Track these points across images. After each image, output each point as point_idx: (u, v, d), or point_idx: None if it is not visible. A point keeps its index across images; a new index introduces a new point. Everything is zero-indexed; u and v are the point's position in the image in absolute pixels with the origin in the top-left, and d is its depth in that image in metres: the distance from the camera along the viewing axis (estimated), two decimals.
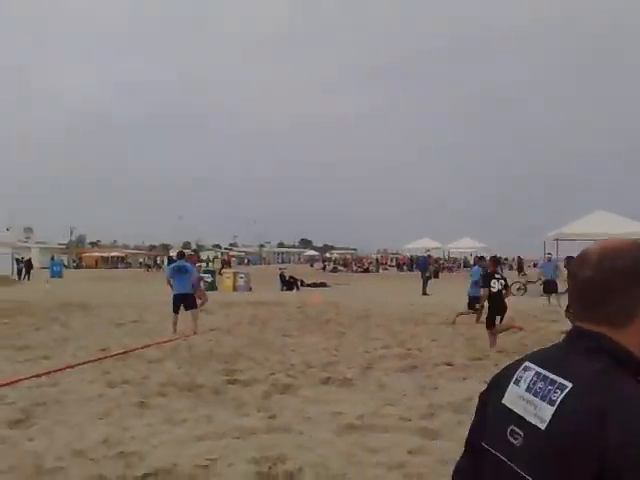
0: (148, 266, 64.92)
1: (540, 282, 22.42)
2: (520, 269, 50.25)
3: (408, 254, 66.12)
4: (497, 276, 10.46)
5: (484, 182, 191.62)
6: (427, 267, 27.67)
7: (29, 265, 41.45)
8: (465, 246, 55.47)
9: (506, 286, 10.51)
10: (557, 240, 25.55)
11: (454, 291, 27.64)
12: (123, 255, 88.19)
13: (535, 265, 58.29)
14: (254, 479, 4.19)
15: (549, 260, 21.36)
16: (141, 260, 74.33)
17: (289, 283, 29.42)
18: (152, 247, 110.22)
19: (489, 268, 10.93)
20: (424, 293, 25.04)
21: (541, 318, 14.99)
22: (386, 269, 64.43)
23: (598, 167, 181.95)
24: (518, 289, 25.66)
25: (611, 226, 24.39)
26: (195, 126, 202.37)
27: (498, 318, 10.35)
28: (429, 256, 30.65)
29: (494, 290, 10.19)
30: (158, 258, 70.83)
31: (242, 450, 4.78)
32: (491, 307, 10.29)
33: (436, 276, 37.11)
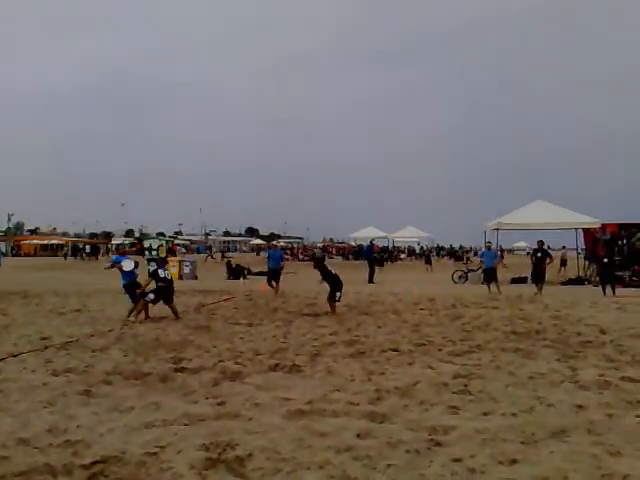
0: (65, 255, 63.12)
1: (480, 270, 23.04)
2: (461, 258, 51.62)
3: (354, 243, 66.77)
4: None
5: (429, 172, 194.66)
6: (373, 255, 28.00)
7: None
8: (409, 235, 56.40)
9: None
10: (497, 230, 26.26)
11: (399, 280, 28.13)
12: (63, 243, 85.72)
13: (475, 253, 59.92)
14: (204, 465, 4.18)
15: (489, 249, 21.87)
16: (66, 248, 71.27)
17: (236, 272, 29.21)
18: (94, 235, 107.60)
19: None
20: (370, 281, 25.32)
21: (483, 305, 15.39)
22: (332, 257, 64.72)
23: (543, 158, 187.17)
24: (460, 277, 26.26)
25: (550, 216, 25.21)
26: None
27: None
28: (373, 244, 30.92)
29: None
30: (87, 246, 68.19)
31: (191, 437, 4.76)
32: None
33: (381, 265, 37.72)
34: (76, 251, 63.42)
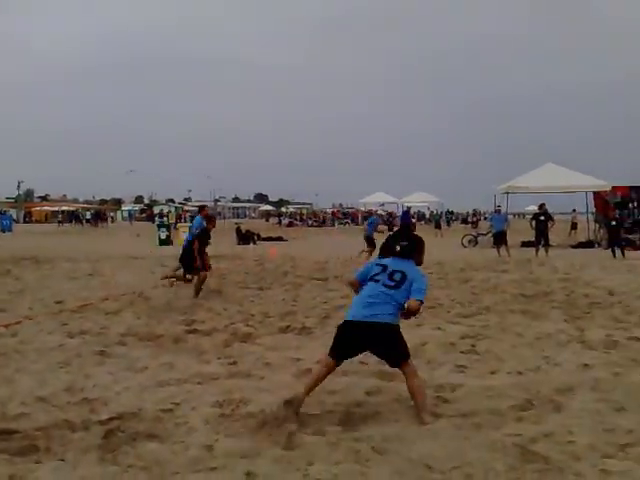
0: (60, 222, 60.99)
1: (490, 234, 23.03)
2: (472, 222, 51.52)
3: (363, 208, 66.63)
4: None
5: (438, 137, 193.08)
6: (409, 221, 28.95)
7: None
8: (420, 200, 56.12)
9: None
10: (507, 193, 26.10)
11: None
12: (73, 209, 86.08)
13: (485, 218, 59.78)
14: (218, 421, 4.30)
15: (498, 212, 21.84)
16: (60, 217, 66.71)
17: (245, 237, 29.36)
18: (104, 201, 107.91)
19: None
20: None
21: (492, 268, 15.43)
22: (342, 223, 64.72)
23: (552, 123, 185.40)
24: (469, 241, 26.28)
25: (561, 179, 25.03)
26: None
27: None
28: (409, 209, 32.17)
29: None
30: (88, 213, 67.10)
31: (205, 394, 4.89)
32: None
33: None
34: (74, 217, 62.59)
